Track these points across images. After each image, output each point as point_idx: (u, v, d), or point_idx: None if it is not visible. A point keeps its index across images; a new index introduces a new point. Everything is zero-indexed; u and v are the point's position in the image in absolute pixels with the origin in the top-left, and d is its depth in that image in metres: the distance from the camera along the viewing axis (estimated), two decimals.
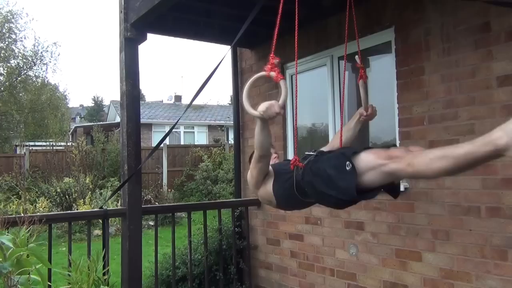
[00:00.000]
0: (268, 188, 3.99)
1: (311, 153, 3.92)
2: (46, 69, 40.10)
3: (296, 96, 4.08)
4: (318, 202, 3.86)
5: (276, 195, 3.94)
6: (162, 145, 23.84)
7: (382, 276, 6.00)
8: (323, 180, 3.52)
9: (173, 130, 36.13)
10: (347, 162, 3.36)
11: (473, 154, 2.86)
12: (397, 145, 5.82)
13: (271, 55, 3.51)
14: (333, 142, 4.57)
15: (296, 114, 4.10)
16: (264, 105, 3.42)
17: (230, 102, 50.34)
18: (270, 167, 4.03)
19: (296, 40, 3.73)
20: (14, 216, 5.40)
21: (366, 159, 3.37)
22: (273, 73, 3.53)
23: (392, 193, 3.84)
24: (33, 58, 36.47)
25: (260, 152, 3.82)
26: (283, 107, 3.46)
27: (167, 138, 33.54)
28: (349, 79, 6.49)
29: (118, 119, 34.73)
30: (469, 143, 2.90)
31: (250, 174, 4.06)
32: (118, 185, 6.64)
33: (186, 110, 6.09)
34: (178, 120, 6.39)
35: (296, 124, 4.31)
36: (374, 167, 3.32)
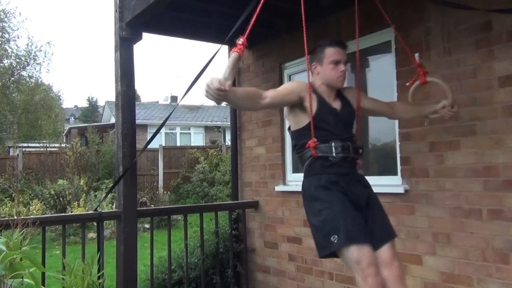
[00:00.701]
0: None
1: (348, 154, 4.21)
2: (40, 69, 40.17)
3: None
4: None
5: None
6: (157, 146, 23.86)
7: None
8: (311, 219, 4.14)
9: (169, 131, 36.18)
10: (334, 236, 3.82)
11: None
12: (397, 146, 5.83)
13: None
14: (394, 105, 4.94)
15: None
16: (207, 82, 3.49)
17: (227, 103, 50.33)
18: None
19: (305, 38, 3.72)
20: (7, 218, 5.40)
21: (349, 257, 3.85)
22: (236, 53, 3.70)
23: None
24: (27, 58, 36.46)
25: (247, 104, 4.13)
26: (228, 80, 3.54)
27: (163, 139, 33.59)
28: (349, 79, 6.50)
29: (113, 120, 34.69)
30: None
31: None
32: (112, 185, 6.62)
33: (175, 107, 6.07)
34: (170, 114, 6.37)
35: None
36: (349, 264, 3.92)
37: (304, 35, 4.17)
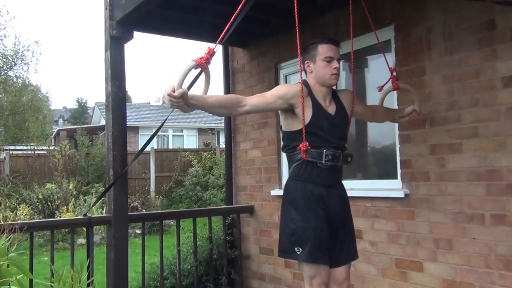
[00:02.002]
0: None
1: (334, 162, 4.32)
2: (27, 69, 39.89)
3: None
4: None
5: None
6: (149, 149, 23.82)
7: (381, 287, 5.98)
8: (283, 220, 4.41)
9: (161, 133, 36.13)
10: (298, 248, 4.17)
11: None
12: (397, 149, 5.82)
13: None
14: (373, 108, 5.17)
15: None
16: (164, 91, 3.57)
17: None
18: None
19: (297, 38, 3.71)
20: None
21: (306, 271, 4.28)
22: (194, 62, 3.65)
23: None
24: (14, 57, 36.30)
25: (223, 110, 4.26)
26: (180, 87, 3.57)
27: (155, 142, 33.52)
28: (349, 79, 6.50)
29: (103, 122, 34.65)
30: None
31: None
32: (103, 191, 6.61)
33: (171, 112, 6.03)
34: (166, 119, 6.36)
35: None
36: (304, 275, 4.33)
37: (297, 35, 4.16)
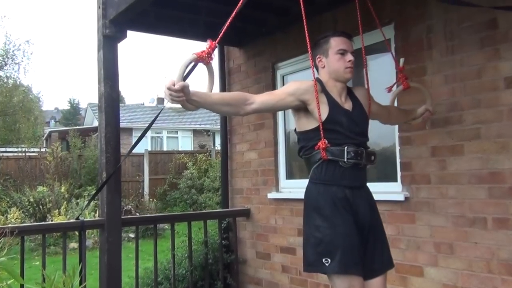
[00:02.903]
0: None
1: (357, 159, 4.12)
2: (18, 69, 39.86)
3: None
4: None
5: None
6: (143, 151, 23.80)
7: None
8: (306, 230, 4.10)
9: (155, 135, 36.12)
10: (327, 259, 3.82)
11: None
12: (397, 151, 5.82)
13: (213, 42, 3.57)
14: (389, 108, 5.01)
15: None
16: (165, 84, 3.45)
17: None
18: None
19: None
20: None
21: (337, 284, 3.87)
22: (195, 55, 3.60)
23: None
24: (4, 57, 36.33)
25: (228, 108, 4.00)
26: (180, 81, 3.48)
27: (149, 144, 33.52)
28: (356, 78, 6.48)
29: (95, 123, 34.56)
30: None
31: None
32: (95, 192, 6.60)
33: (162, 109, 6.02)
34: (156, 117, 6.33)
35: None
36: None
37: (306, 32, 4.15)
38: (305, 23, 4.07)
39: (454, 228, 5.19)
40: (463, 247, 5.12)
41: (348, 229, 3.89)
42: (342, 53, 4.14)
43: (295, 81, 4.12)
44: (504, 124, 4.76)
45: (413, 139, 5.61)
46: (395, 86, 5.11)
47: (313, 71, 4.18)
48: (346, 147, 3.97)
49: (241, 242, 8.27)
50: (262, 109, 4.07)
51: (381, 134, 6.26)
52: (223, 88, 8.65)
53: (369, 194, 4.26)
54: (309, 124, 4.09)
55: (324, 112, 4.01)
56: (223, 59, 8.74)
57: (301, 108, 4.09)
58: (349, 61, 4.15)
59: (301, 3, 4.03)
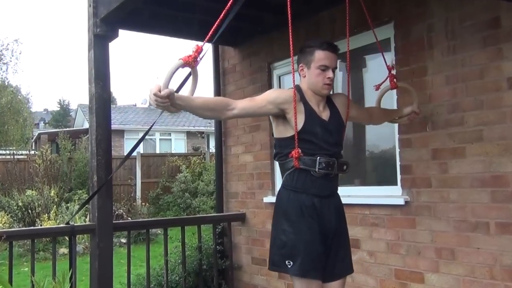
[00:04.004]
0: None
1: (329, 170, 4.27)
2: (6, 69, 39.88)
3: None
4: None
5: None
6: (135, 153, 23.73)
7: None
8: (273, 231, 4.42)
9: (148, 137, 36.06)
10: (289, 262, 4.12)
11: None
12: (397, 154, 5.81)
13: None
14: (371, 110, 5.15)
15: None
16: (149, 90, 3.56)
17: None
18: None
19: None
20: None
21: (297, 285, 4.20)
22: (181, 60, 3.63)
23: None
24: None
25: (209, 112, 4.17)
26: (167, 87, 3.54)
27: (141, 146, 33.42)
28: (345, 79, 6.48)
29: (86, 125, 34.54)
30: None
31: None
32: (87, 198, 6.59)
33: (160, 114, 6.01)
34: (154, 123, 6.35)
35: None
36: None
37: (290, 35, 4.14)
38: (290, 29, 4.07)
39: (456, 233, 5.19)
40: (465, 253, 5.11)
41: (311, 236, 4.16)
42: (324, 69, 4.24)
43: (275, 89, 4.28)
44: (507, 125, 4.76)
45: (414, 141, 5.61)
46: (383, 84, 5.14)
47: (293, 75, 4.27)
48: (318, 158, 4.15)
49: (236, 248, 8.25)
50: (243, 115, 4.36)
51: (381, 136, 6.27)
52: (217, 88, 8.64)
53: (338, 201, 4.46)
54: (285, 132, 4.25)
55: (300, 121, 4.16)
56: (218, 59, 8.73)
57: (280, 116, 4.23)
58: (328, 77, 4.25)
59: (288, 4, 4.01)
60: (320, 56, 4.23)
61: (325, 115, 4.32)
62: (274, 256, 4.27)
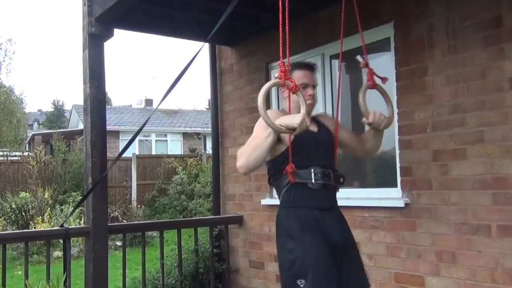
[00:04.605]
0: None
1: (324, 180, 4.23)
2: (0, 69, 39.93)
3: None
4: None
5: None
6: (130, 155, 23.71)
7: None
8: (279, 255, 4.24)
9: (144, 138, 36.05)
10: (301, 281, 3.91)
11: None
12: (397, 155, 5.80)
13: (281, 61, 3.60)
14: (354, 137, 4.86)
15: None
16: (298, 118, 3.71)
17: (207, 107, 50.26)
18: None
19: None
20: None
21: None
22: (289, 83, 3.77)
23: None
24: None
25: (245, 168, 4.22)
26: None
27: (137, 147, 33.44)
28: (344, 80, 6.48)
29: (81, 126, 34.53)
30: None
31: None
32: (81, 199, 6.59)
33: (152, 113, 6.00)
34: (146, 121, 6.34)
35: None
36: None
37: (280, 38, 4.14)
38: (280, 32, 4.06)
39: (457, 236, 5.18)
40: (466, 256, 5.11)
41: (318, 249, 4.04)
42: (304, 86, 4.28)
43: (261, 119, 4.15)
44: (509, 126, 4.75)
45: (414, 142, 5.60)
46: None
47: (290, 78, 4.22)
48: (312, 169, 4.16)
49: (233, 251, 8.24)
50: (258, 163, 4.20)
51: None
52: (214, 89, 8.63)
53: (339, 214, 4.41)
54: (278, 149, 4.24)
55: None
56: (215, 58, 8.72)
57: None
58: (309, 94, 4.31)
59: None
60: (299, 75, 4.32)
61: (313, 127, 4.35)
62: (285, 280, 4.10)
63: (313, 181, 4.13)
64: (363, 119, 4.44)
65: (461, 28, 5.16)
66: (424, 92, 5.42)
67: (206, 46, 8.31)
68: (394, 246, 5.77)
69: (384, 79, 4.62)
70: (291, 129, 3.72)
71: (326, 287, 3.95)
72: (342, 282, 4.08)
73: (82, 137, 6.86)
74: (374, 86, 4.58)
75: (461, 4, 5.12)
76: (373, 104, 4.52)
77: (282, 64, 3.74)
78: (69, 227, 6.78)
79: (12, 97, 40.41)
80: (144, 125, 5.92)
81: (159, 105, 5.72)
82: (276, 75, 3.80)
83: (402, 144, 5.73)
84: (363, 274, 4.34)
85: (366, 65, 4.66)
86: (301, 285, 3.92)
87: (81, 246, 13.90)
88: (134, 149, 31.44)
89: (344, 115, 5.99)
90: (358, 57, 4.60)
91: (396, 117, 5.69)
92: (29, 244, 6.65)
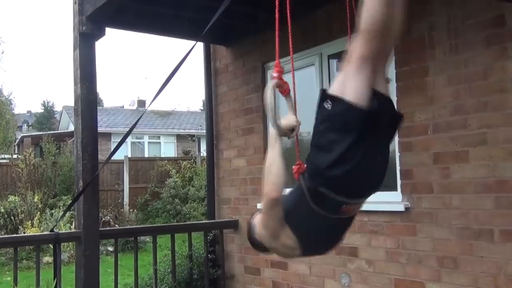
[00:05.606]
0: (285, 231, 3.55)
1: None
2: None
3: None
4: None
5: (295, 230, 3.52)
6: (122, 157, 23.68)
7: None
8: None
9: (136, 140, 35.99)
10: (327, 101, 3.19)
11: None
12: (397, 158, 5.79)
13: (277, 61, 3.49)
14: None
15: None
16: (292, 117, 3.54)
17: (202, 108, 50.30)
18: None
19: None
20: None
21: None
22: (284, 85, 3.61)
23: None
24: None
25: (274, 192, 3.51)
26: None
27: (129, 150, 33.39)
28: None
29: (71, 128, 34.45)
30: None
31: (264, 227, 3.62)
32: (71, 202, 6.58)
33: (143, 113, 5.98)
34: (137, 121, 6.31)
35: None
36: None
37: (277, 36, 4.12)
38: (277, 33, 4.04)
39: (459, 241, 5.18)
40: (468, 262, 5.10)
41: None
42: None
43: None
44: None
45: (414, 145, 5.60)
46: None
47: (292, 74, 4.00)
48: None
49: (228, 256, 8.23)
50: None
51: None
52: (209, 89, 8.62)
53: None
54: None
55: None
56: (209, 58, 8.71)
57: None
58: None
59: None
60: None
61: None
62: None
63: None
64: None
65: (462, 27, 5.16)
66: (424, 93, 5.42)
67: (200, 46, 8.30)
68: (394, 251, 5.77)
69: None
70: (291, 129, 3.61)
71: None
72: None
73: (73, 139, 6.86)
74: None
75: (463, 2, 5.12)
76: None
77: (278, 63, 3.63)
78: (59, 232, 6.78)
79: (1, 98, 40.45)
80: (134, 125, 5.91)
81: (150, 105, 5.73)
82: (274, 75, 3.64)
83: (402, 146, 5.73)
84: None
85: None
86: (327, 106, 3.19)
87: (72, 252, 13.86)
88: (126, 152, 31.42)
89: None
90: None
91: None
92: (18, 249, 6.65)
